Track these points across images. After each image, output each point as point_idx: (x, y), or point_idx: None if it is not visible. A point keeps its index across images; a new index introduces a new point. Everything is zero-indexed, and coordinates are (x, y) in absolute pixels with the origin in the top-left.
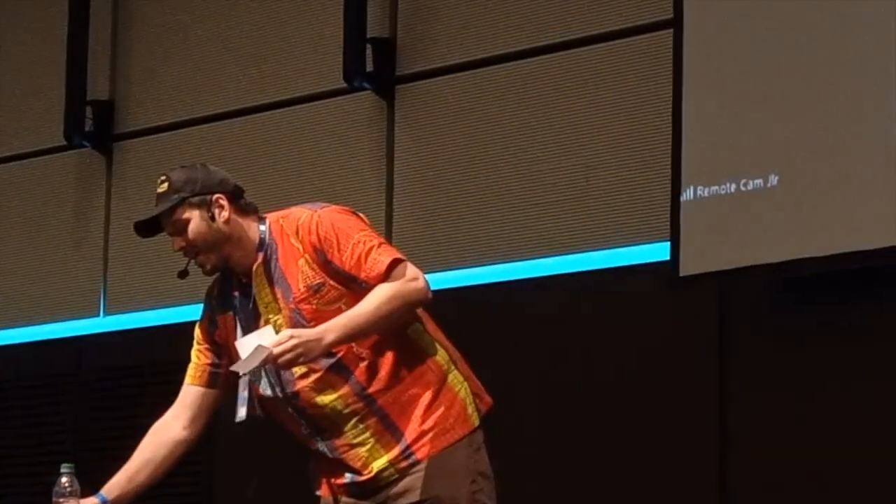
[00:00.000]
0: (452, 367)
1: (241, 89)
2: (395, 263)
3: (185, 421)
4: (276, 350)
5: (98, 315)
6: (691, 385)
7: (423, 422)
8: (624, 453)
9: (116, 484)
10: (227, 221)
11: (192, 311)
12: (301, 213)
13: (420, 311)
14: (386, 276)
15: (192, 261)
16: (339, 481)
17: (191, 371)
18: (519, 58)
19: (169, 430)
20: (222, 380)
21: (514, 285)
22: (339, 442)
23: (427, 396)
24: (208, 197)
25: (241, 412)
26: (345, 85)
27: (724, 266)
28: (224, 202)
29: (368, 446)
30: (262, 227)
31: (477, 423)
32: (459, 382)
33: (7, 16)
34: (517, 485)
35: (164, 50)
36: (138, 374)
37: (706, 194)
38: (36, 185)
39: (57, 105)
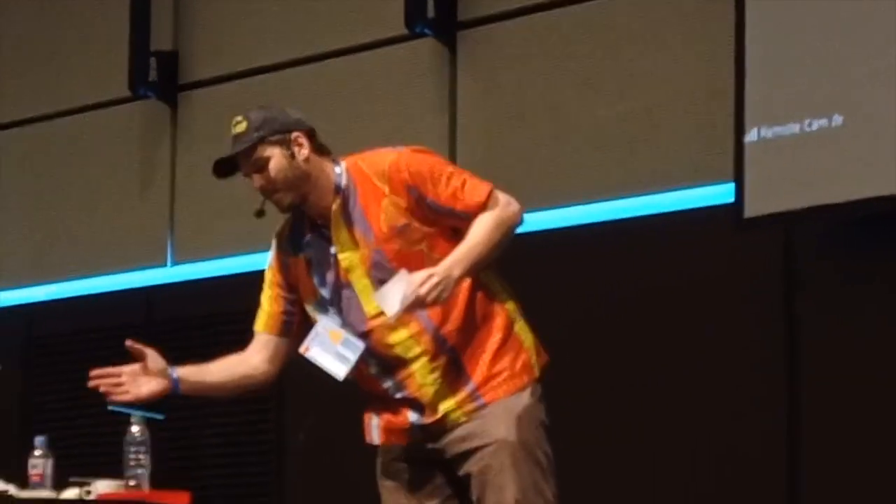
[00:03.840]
0: (519, 317)
1: (303, 38)
2: (491, 191)
3: (265, 356)
4: (423, 290)
5: (165, 265)
6: (758, 327)
7: (492, 366)
8: (689, 397)
9: (188, 370)
10: (307, 160)
11: (261, 260)
12: (386, 155)
13: None
14: (486, 203)
15: (268, 200)
16: (402, 426)
17: (263, 318)
18: (583, 1)
19: (250, 357)
20: (296, 328)
21: (580, 230)
22: (407, 382)
23: (496, 340)
24: (288, 135)
25: (342, 371)
26: (406, 31)
27: (788, 207)
28: (303, 140)
29: (436, 387)
30: (338, 169)
31: (538, 374)
32: (525, 332)
33: None
34: (576, 435)
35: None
36: (207, 323)
37: (770, 135)
38: (101, 137)
39: (121, 56)
